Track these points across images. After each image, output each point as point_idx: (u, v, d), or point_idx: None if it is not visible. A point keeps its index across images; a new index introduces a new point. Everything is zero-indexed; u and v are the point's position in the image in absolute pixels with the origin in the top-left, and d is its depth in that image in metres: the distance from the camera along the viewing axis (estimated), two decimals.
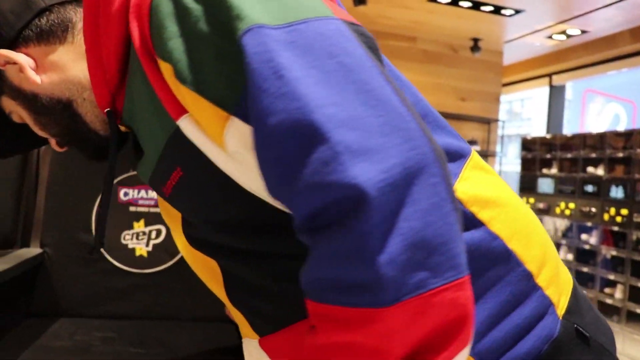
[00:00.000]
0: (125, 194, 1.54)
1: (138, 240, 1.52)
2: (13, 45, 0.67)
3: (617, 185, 3.78)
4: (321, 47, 0.46)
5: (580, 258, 4.05)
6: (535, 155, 4.76)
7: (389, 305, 0.42)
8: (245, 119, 0.48)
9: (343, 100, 0.44)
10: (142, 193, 1.54)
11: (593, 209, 3.91)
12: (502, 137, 5.52)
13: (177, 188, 0.60)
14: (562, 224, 4.27)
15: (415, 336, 0.43)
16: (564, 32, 4.78)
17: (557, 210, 4.30)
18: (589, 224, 3.97)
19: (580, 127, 5.88)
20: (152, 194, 1.55)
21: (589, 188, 4.00)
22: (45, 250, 1.46)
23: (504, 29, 4.97)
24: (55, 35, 0.67)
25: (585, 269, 3.99)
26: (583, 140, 4.15)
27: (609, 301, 3.76)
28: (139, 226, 1.53)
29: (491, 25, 4.85)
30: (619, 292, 3.70)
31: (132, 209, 1.54)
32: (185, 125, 0.54)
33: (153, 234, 1.53)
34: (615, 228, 3.71)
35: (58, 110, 0.69)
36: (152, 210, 1.54)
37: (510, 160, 7.61)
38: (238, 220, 0.57)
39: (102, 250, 1.49)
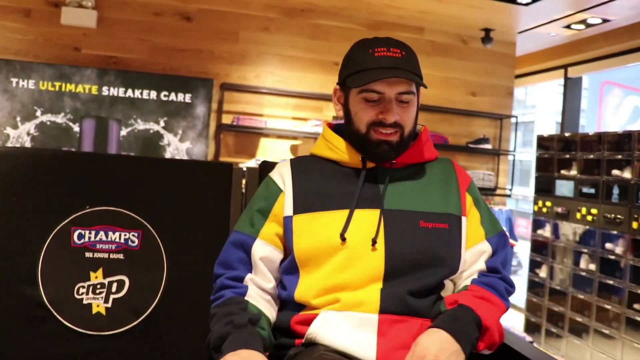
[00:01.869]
0: (80, 236, 1.24)
1: (95, 295, 1.23)
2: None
3: None
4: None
5: (604, 269, 3.74)
6: (553, 155, 4.44)
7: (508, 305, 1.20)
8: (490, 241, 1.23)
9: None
10: (101, 235, 1.25)
11: (619, 216, 3.60)
12: (516, 134, 5.19)
13: (432, 230, 1.17)
14: (582, 230, 3.96)
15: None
16: (583, 21, 4.44)
17: (578, 216, 3.99)
18: (614, 231, 3.66)
19: (597, 121, 5.55)
20: (114, 236, 1.25)
21: (615, 192, 3.68)
22: None
23: (518, 19, 4.63)
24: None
25: (610, 281, 3.68)
26: (605, 139, 3.82)
27: (639, 318, 3.45)
28: (97, 277, 1.24)
29: (504, 15, 4.52)
30: None
31: (88, 254, 1.24)
32: (463, 222, 1.20)
33: (114, 287, 1.23)
34: None
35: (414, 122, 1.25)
36: (113, 256, 1.24)
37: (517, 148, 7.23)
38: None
39: (49, 307, 1.20)
